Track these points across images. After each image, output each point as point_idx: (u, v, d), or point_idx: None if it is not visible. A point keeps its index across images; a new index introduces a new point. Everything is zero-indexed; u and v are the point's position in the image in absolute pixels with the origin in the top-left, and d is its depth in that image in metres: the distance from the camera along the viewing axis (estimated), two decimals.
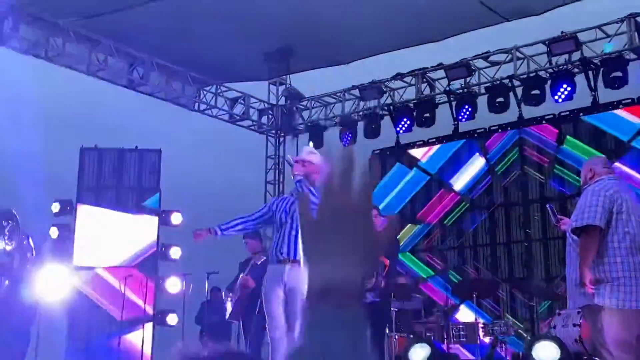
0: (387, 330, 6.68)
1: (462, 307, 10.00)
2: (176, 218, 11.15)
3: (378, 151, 12.43)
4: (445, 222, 11.45)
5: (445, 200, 11.54)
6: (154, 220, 11.10)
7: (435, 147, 11.86)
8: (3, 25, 9.77)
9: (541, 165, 10.71)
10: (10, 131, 16.46)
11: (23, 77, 14.32)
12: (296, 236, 5.09)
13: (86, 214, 10.99)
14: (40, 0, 9.80)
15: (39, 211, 11.38)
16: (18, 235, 6.69)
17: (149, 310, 10.38)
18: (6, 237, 6.69)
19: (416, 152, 12.07)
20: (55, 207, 11.01)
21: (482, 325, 7.89)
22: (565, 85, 10.15)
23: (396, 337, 7.11)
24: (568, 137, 10.51)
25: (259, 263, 7.69)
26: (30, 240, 6.82)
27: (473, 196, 11.27)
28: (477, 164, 11.35)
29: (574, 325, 6.99)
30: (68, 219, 11.06)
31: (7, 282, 6.83)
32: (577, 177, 9.21)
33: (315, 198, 0.96)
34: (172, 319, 10.69)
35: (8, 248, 6.66)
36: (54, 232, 10.88)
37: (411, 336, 7.36)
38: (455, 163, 11.55)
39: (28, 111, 16.02)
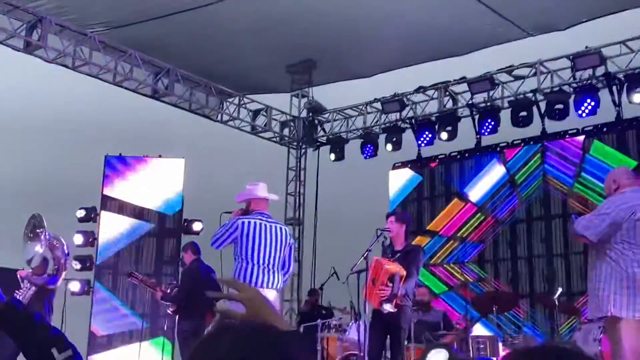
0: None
1: (482, 322, 9.96)
2: (197, 226, 11.25)
3: (399, 164, 12.43)
4: (464, 235, 11.39)
5: (463, 213, 11.49)
6: (176, 229, 11.24)
7: (457, 161, 11.82)
8: (32, 34, 9.97)
9: (564, 181, 10.63)
10: (36, 141, 16.70)
11: (50, 87, 14.55)
12: None
13: (109, 221, 11.11)
14: (68, 10, 9.99)
15: (64, 218, 11.53)
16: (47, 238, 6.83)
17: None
18: (41, 241, 6.82)
19: (436, 165, 12.04)
20: (80, 214, 11.16)
21: (502, 339, 7.85)
22: (589, 100, 10.10)
23: (414, 348, 7.11)
24: (595, 143, 10.37)
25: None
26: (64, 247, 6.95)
27: (494, 209, 11.21)
28: (498, 176, 11.29)
29: (594, 340, 6.93)
30: (92, 226, 11.20)
31: (31, 288, 6.95)
32: (599, 198, 9.18)
33: None
34: None
35: (40, 250, 6.79)
36: (78, 239, 11.02)
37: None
38: (476, 176, 11.50)
39: (53, 120, 16.26)
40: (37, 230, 6.79)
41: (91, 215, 11.17)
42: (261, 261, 5.66)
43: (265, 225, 5.76)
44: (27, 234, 6.82)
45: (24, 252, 6.80)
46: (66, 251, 6.98)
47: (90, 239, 11.07)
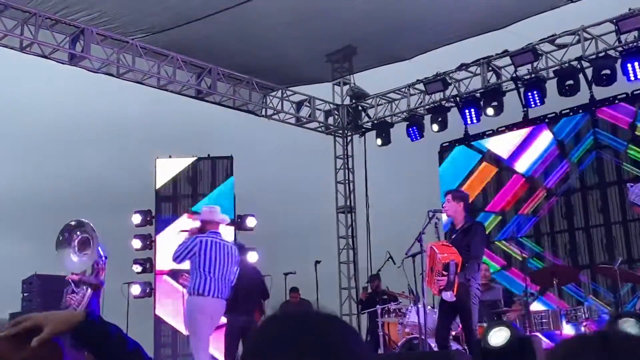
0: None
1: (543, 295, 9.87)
2: (251, 222, 11.37)
3: (447, 144, 12.33)
4: (520, 210, 11.25)
5: (518, 188, 11.34)
6: (230, 227, 11.36)
7: (505, 135, 11.65)
8: (75, 46, 10.19)
9: (617, 147, 10.40)
10: (88, 150, 17.09)
11: (97, 96, 14.87)
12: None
13: (165, 223, 11.32)
14: (108, 19, 10.18)
15: (120, 223, 11.80)
16: (89, 246, 6.97)
17: None
18: (76, 249, 6.99)
19: (485, 142, 11.90)
20: (136, 219, 11.37)
21: (564, 312, 7.75)
22: (636, 63, 9.85)
23: (476, 327, 7.06)
24: None
25: None
26: (100, 249, 7.07)
27: (548, 182, 11.04)
28: (549, 149, 11.11)
29: None
30: (148, 229, 11.42)
31: (88, 290, 7.12)
32: None
33: None
34: None
35: (75, 259, 6.96)
36: (136, 243, 11.24)
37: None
38: (527, 150, 11.33)
39: (103, 128, 16.61)
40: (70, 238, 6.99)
41: (147, 219, 11.39)
42: (217, 274, 6.41)
43: (219, 243, 6.54)
44: (70, 245, 6.97)
45: (66, 265, 7.03)
46: (101, 253, 7.09)
47: (148, 241, 11.29)
